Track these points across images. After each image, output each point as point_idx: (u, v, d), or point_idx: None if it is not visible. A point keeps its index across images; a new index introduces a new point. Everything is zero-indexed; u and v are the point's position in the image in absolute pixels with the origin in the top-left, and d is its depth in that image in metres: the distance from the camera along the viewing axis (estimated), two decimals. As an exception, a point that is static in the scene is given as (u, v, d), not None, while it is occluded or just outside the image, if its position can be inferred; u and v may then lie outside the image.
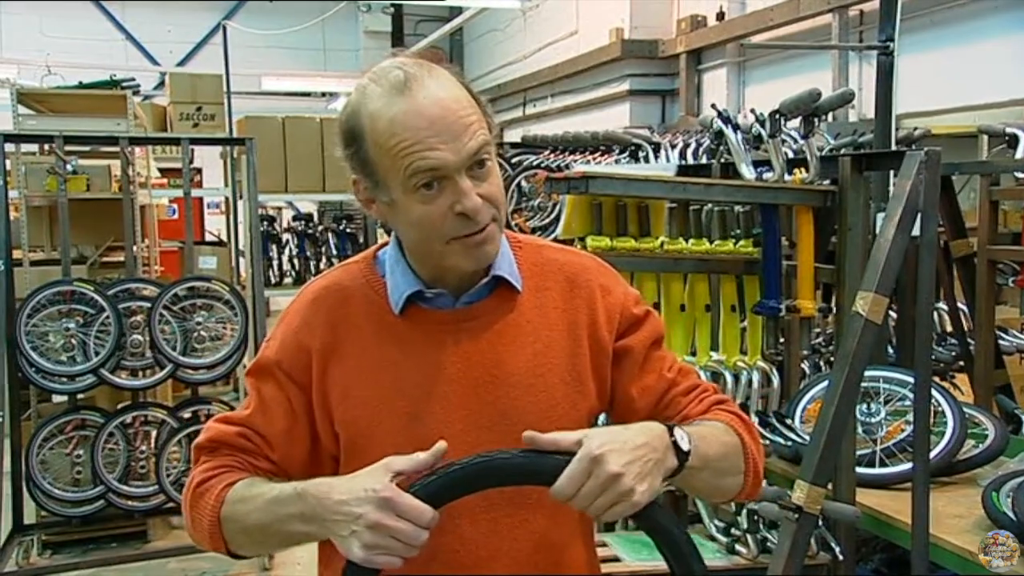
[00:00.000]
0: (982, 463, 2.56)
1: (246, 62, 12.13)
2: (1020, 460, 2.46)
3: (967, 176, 4.37)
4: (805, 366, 3.14)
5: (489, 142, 1.21)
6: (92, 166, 5.23)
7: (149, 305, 4.33)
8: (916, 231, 2.27)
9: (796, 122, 3.06)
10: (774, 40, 7.77)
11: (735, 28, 8.25)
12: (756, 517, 2.55)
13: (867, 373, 2.44)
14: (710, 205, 3.02)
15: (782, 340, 3.04)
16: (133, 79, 6.26)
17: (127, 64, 12.71)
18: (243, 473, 1.26)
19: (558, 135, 6.13)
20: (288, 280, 7.97)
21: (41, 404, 4.86)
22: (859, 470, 2.50)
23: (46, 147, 5.70)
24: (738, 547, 2.63)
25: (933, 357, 3.06)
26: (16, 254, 4.69)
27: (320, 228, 8.04)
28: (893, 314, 3.18)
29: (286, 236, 8.25)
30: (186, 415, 4.56)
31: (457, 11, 11.68)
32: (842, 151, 3.42)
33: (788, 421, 2.78)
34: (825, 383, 2.65)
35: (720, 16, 8.55)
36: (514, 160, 6.06)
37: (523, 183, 5.69)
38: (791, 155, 3.32)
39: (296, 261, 8.06)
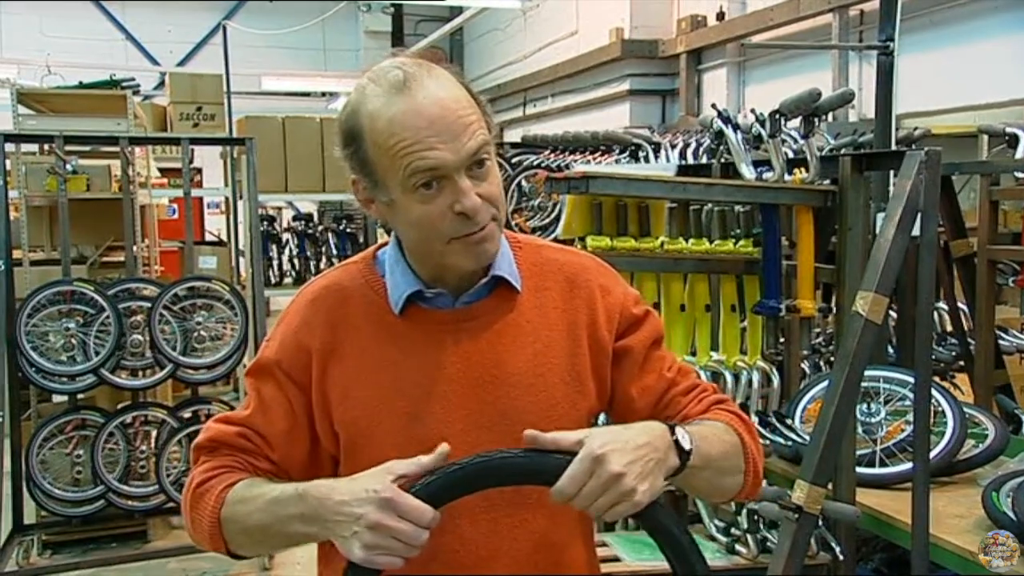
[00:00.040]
0: (982, 463, 2.56)
1: (246, 62, 12.13)
2: (1020, 460, 2.45)
3: (967, 176, 4.38)
4: (805, 366, 3.14)
5: (488, 142, 1.21)
6: (92, 166, 5.23)
7: (149, 305, 4.33)
8: (916, 231, 2.27)
9: (796, 122, 3.06)
10: (774, 40, 7.77)
11: (735, 28, 8.25)
12: (756, 517, 2.55)
13: (867, 373, 2.44)
14: (710, 205, 3.02)
15: (782, 340, 3.04)
16: (133, 79, 6.26)
17: (127, 64, 12.71)
18: (243, 473, 1.26)
19: (558, 135, 6.12)
20: (288, 280, 7.96)
21: (41, 404, 4.87)
22: (859, 470, 2.50)
23: (46, 147, 5.70)
24: (738, 547, 2.62)
25: (933, 357, 3.05)
26: (16, 254, 4.69)
27: (320, 228, 8.04)
28: (893, 314, 3.18)
29: (286, 236, 8.25)
30: (186, 415, 4.56)
31: (457, 11, 11.68)
32: (842, 151, 3.42)
33: (788, 421, 2.78)
34: (825, 383, 2.65)
35: (720, 16, 8.55)
36: (514, 160, 6.06)
37: (523, 183, 5.68)
38: (791, 155, 3.32)
39: (296, 261, 8.05)
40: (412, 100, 1.17)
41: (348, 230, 7.80)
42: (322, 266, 7.66)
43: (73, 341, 4.23)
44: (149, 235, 5.76)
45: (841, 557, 2.54)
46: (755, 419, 2.79)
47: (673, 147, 4.95)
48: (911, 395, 2.51)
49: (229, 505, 1.21)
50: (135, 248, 4.81)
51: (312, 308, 1.31)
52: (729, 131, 3.29)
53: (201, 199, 10.59)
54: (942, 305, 3.45)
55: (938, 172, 2.25)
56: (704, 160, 4.26)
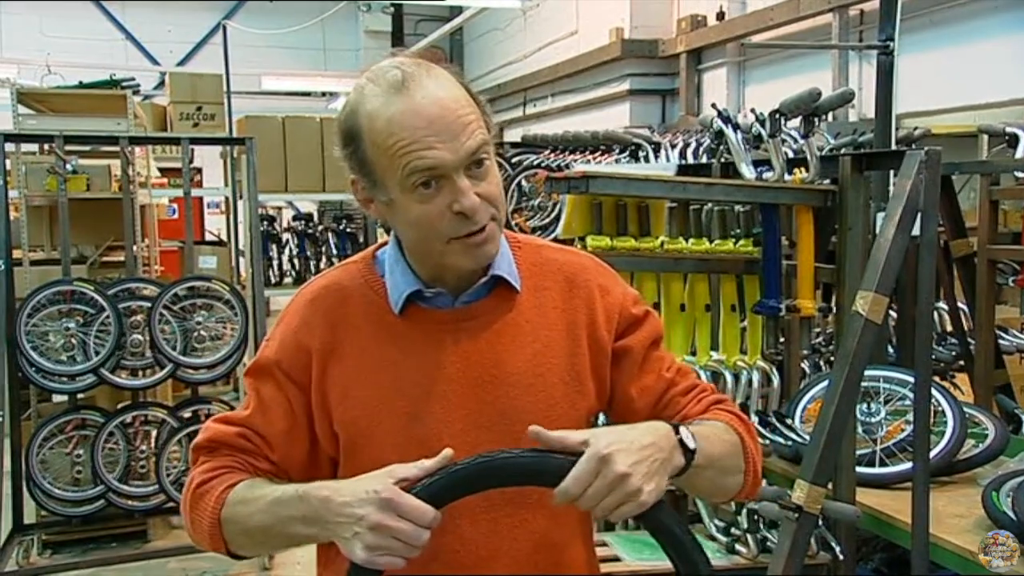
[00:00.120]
0: (982, 463, 2.56)
1: (246, 62, 12.12)
2: (1020, 460, 2.45)
3: (967, 176, 4.37)
4: (805, 366, 3.13)
5: (487, 141, 1.21)
6: (92, 166, 5.23)
7: (149, 305, 4.33)
8: (916, 231, 2.27)
9: (796, 122, 3.05)
10: (774, 40, 7.77)
11: (735, 28, 8.24)
12: (756, 517, 2.55)
13: (867, 373, 2.44)
14: (710, 205, 3.01)
15: (782, 340, 3.03)
16: (133, 79, 6.26)
17: (127, 64, 12.70)
18: (243, 474, 1.25)
19: (558, 135, 6.12)
20: (288, 280, 7.96)
21: (41, 404, 4.86)
22: (859, 470, 2.50)
23: (46, 147, 5.70)
24: (738, 547, 2.62)
25: (933, 357, 3.05)
26: (16, 254, 4.69)
27: (320, 228, 8.04)
28: (893, 314, 3.18)
29: (286, 236, 8.24)
30: (186, 415, 4.56)
31: (457, 11, 11.67)
32: (842, 151, 3.42)
33: (788, 421, 2.78)
34: (825, 383, 2.65)
35: (720, 16, 8.55)
36: (514, 160, 6.06)
37: (523, 183, 5.68)
38: (791, 155, 3.32)
39: (296, 261, 8.05)
40: (411, 100, 1.17)
41: (348, 230, 7.80)
42: (322, 266, 7.66)
43: (73, 341, 4.23)
44: (149, 235, 5.76)
45: (841, 557, 2.54)
46: (755, 419, 2.79)
47: (673, 147, 4.95)
48: (911, 395, 2.51)
49: (229, 506, 1.21)
50: (135, 248, 4.81)
51: (312, 308, 1.31)
52: (729, 131, 3.29)
53: (201, 199, 10.59)
54: (942, 305, 3.45)
55: (938, 172, 2.25)
56: (704, 160, 4.26)
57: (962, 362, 3.35)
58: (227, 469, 1.26)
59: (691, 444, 1.18)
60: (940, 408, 2.58)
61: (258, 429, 1.28)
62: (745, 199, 2.95)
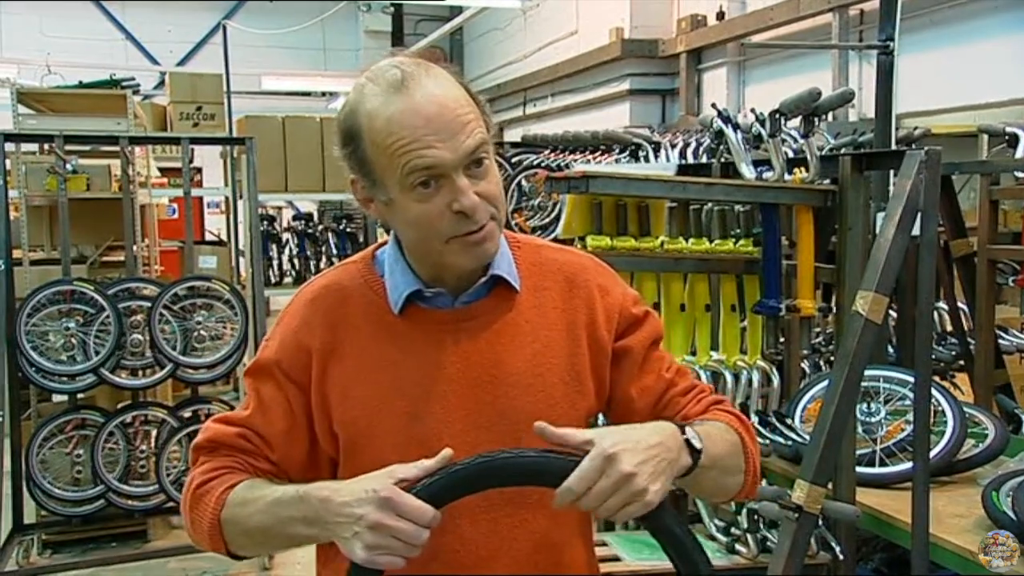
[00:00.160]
0: (982, 463, 2.56)
1: (246, 62, 12.12)
2: (1020, 460, 2.45)
3: (967, 176, 4.37)
4: (805, 366, 3.13)
5: (487, 141, 1.21)
6: (92, 166, 5.23)
7: (149, 305, 4.33)
8: (916, 231, 2.27)
9: (796, 121, 3.05)
10: (774, 40, 7.77)
11: (735, 28, 8.25)
12: (756, 516, 2.55)
13: (867, 373, 2.44)
14: (710, 205, 3.01)
15: (782, 340, 3.03)
16: (133, 79, 6.25)
17: (127, 64, 12.70)
18: (243, 474, 1.25)
19: (558, 134, 6.12)
20: (288, 280, 7.96)
21: (41, 404, 4.86)
22: (859, 470, 2.50)
23: (46, 147, 5.70)
24: (738, 547, 2.62)
25: (933, 357, 3.05)
26: (16, 254, 4.69)
27: (320, 228, 8.04)
28: (893, 314, 3.18)
29: (286, 236, 8.24)
30: (186, 415, 4.56)
31: (457, 11, 11.67)
32: (842, 151, 3.42)
33: (788, 421, 2.78)
34: (825, 383, 2.65)
35: (720, 16, 8.55)
36: (514, 159, 6.06)
37: (523, 182, 5.69)
38: (791, 155, 3.32)
39: (296, 261, 8.05)
40: (410, 99, 1.17)
41: (348, 230, 7.80)
42: (322, 266, 7.66)
43: (73, 341, 4.23)
44: (149, 235, 5.76)
45: (841, 557, 2.53)
46: (755, 419, 2.79)
47: (673, 147, 4.95)
48: (911, 395, 2.51)
49: (230, 507, 1.21)
50: (135, 248, 4.81)
51: (311, 308, 1.31)
52: (729, 131, 3.29)
53: (201, 199, 10.59)
54: (942, 305, 3.45)
55: (938, 172, 2.25)
56: (704, 160, 4.26)
57: (962, 362, 3.35)
58: (227, 469, 1.26)
59: (697, 444, 1.18)
60: (940, 408, 2.58)
61: (258, 429, 1.28)
62: (745, 199, 2.95)
